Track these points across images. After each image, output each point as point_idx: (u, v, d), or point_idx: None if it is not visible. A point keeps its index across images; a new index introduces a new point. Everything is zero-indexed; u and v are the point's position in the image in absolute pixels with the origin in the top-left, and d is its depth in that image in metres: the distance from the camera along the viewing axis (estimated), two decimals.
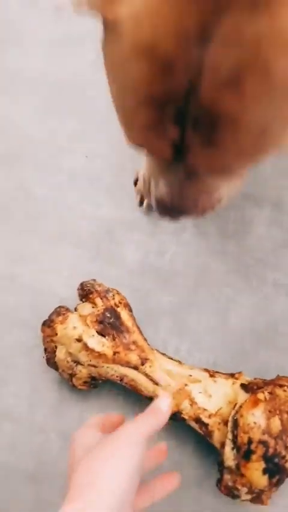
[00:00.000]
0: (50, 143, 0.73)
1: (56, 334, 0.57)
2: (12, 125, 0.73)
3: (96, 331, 0.56)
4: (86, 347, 0.56)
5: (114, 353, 0.56)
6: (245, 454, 0.48)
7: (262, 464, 0.47)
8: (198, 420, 0.53)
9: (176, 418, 0.54)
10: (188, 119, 0.31)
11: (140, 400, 0.58)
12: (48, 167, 0.72)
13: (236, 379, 0.55)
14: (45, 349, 0.59)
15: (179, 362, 0.57)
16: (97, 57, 0.38)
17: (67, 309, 0.59)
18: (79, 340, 0.56)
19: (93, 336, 0.56)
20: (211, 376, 0.56)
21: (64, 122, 0.73)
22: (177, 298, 0.66)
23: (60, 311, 0.58)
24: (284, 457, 0.48)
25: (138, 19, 0.30)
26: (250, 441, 0.48)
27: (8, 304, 0.66)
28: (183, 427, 0.58)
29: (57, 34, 0.76)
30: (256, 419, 0.48)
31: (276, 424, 0.48)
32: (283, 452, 0.48)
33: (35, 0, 0.77)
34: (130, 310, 0.59)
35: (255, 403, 0.50)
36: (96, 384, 0.59)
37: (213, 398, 0.54)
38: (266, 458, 0.47)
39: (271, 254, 0.67)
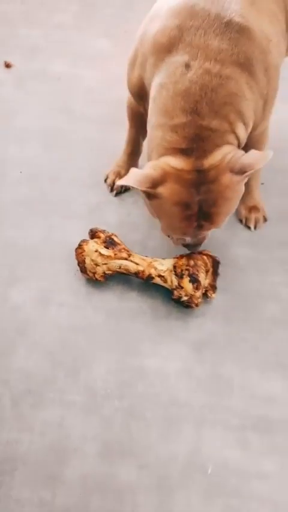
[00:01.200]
0: None
1: (84, 250, 1.14)
2: None
3: (104, 247, 1.14)
4: (100, 254, 1.13)
5: (114, 254, 1.14)
6: (180, 276, 1.07)
7: (188, 279, 1.06)
8: (159, 275, 1.11)
9: (148, 278, 1.12)
10: (200, 217, 0.94)
11: (130, 287, 1.16)
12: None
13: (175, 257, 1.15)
14: (78, 262, 1.16)
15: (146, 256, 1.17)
16: None
17: (87, 239, 1.17)
18: (96, 251, 1.14)
19: (102, 248, 1.14)
20: (163, 259, 1.15)
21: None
22: (141, 235, 1.26)
23: (84, 240, 1.16)
24: (197, 275, 1.07)
25: (170, 194, 0.92)
26: (182, 270, 1.07)
27: (50, 248, 1.23)
28: (154, 287, 1.16)
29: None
30: (183, 262, 1.08)
31: (192, 262, 1.08)
32: (196, 273, 1.07)
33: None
34: (117, 237, 1.18)
35: (182, 257, 1.10)
36: (107, 276, 1.16)
37: (164, 265, 1.12)
38: (190, 275, 1.06)
39: None
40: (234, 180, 0.89)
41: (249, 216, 1.27)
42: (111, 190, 1.33)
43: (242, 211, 1.28)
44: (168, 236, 1.08)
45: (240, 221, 1.29)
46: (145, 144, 1.27)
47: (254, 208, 1.27)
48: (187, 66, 0.86)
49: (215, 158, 0.88)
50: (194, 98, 0.86)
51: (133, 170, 0.92)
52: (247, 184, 1.00)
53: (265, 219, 1.29)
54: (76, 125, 1.49)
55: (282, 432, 1.03)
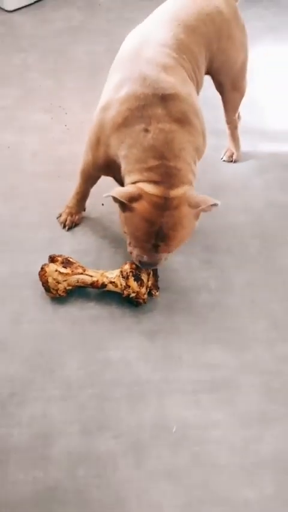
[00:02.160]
0: None
1: (46, 272, 1.39)
2: None
3: (62, 266, 1.40)
4: (60, 273, 1.38)
5: (72, 271, 1.39)
6: (126, 277, 1.34)
7: (133, 278, 1.33)
8: (111, 282, 1.38)
9: (102, 286, 1.38)
10: (158, 238, 1.21)
11: (89, 298, 1.41)
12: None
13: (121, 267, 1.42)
14: (42, 283, 1.39)
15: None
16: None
17: (47, 263, 1.42)
18: (56, 271, 1.39)
19: (61, 268, 1.39)
20: (112, 270, 1.42)
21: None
22: (92, 258, 1.53)
23: (45, 263, 1.41)
24: (139, 274, 1.34)
25: (141, 210, 1.18)
26: (127, 273, 1.34)
27: (17, 278, 1.46)
28: (109, 295, 1.41)
29: None
30: (127, 266, 1.36)
31: (134, 266, 1.36)
32: (139, 273, 1.34)
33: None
34: (72, 258, 1.44)
35: (126, 263, 1.37)
36: (68, 291, 1.40)
37: (113, 273, 1.39)
38: (133, 275, 1.33)
39: None
40: (191, 212, 1.20)
41: None
42: (64, 226, 1.61)
43: None
44: (131, 253, 1.35)
45: None
46: (93, 190, 1.59)
47: None
48: (146, 130, 1.20)
49: (178, 191, 1.18)
50: (160, 149, 1.19)
51: (117, 188, 1.22)
52: None
53: None
54: (27, 181, 1.79)
55: (225, 389, 1.27)
